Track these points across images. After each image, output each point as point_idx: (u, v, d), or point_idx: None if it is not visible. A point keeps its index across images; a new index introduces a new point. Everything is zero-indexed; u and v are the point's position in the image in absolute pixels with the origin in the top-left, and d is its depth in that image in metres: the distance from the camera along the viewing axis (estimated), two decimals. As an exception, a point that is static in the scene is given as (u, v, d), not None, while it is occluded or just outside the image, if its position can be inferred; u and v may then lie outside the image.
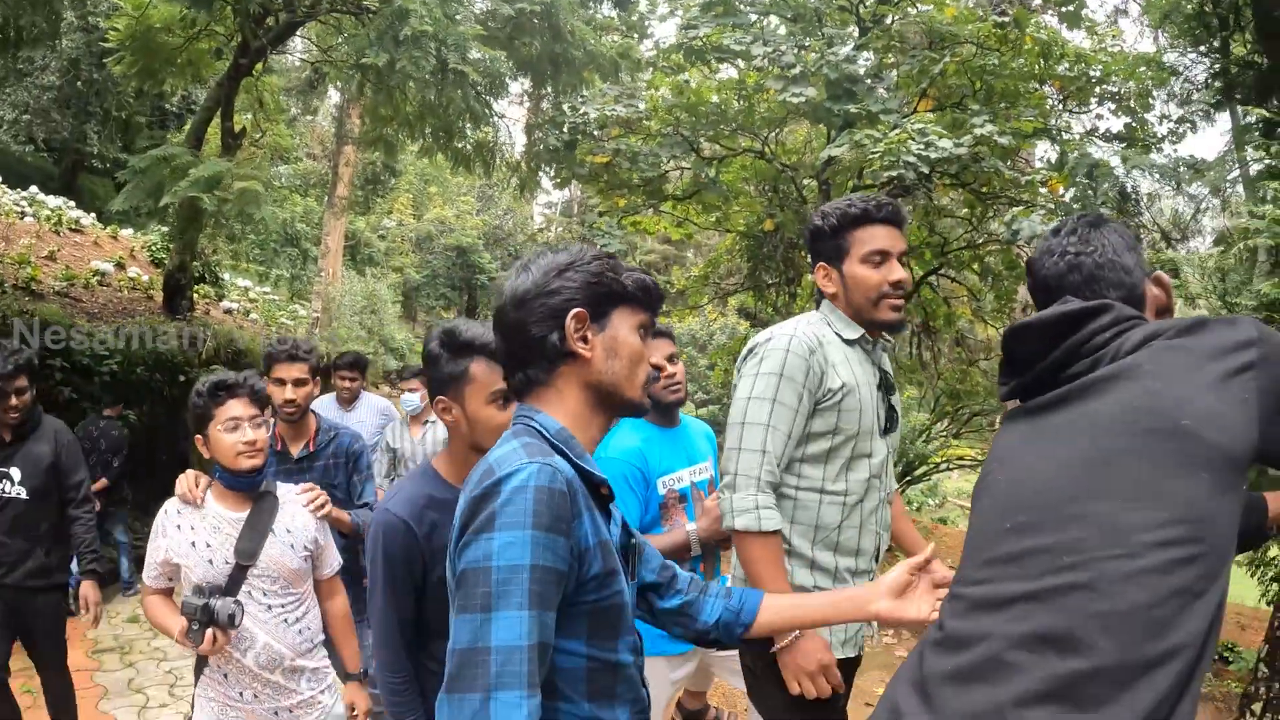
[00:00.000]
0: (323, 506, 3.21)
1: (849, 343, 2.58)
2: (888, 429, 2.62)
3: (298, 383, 3.85)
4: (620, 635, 1.63)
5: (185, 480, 3.02)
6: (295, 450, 3.96)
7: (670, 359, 3.30)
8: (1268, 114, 3.68)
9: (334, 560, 3.25)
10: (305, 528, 3.10)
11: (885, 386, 2.63)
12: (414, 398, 6.36)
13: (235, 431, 2.92)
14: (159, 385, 9.53)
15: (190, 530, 2.95)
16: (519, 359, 1.68)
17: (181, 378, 9.65)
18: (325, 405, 6.44)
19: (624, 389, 1.68)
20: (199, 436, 2.99)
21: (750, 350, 2.56)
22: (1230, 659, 7.67)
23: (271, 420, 3.13)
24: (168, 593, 3.07)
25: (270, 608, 2.98)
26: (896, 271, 2.52)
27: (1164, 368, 1.50)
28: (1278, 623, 3.00)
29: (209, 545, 2.93)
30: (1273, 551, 4.12)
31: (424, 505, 2.23)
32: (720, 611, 1.93)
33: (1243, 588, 9.15)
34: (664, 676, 3.20)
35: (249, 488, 3.01)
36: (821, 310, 2.64)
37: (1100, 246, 1.78)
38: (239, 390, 2.96)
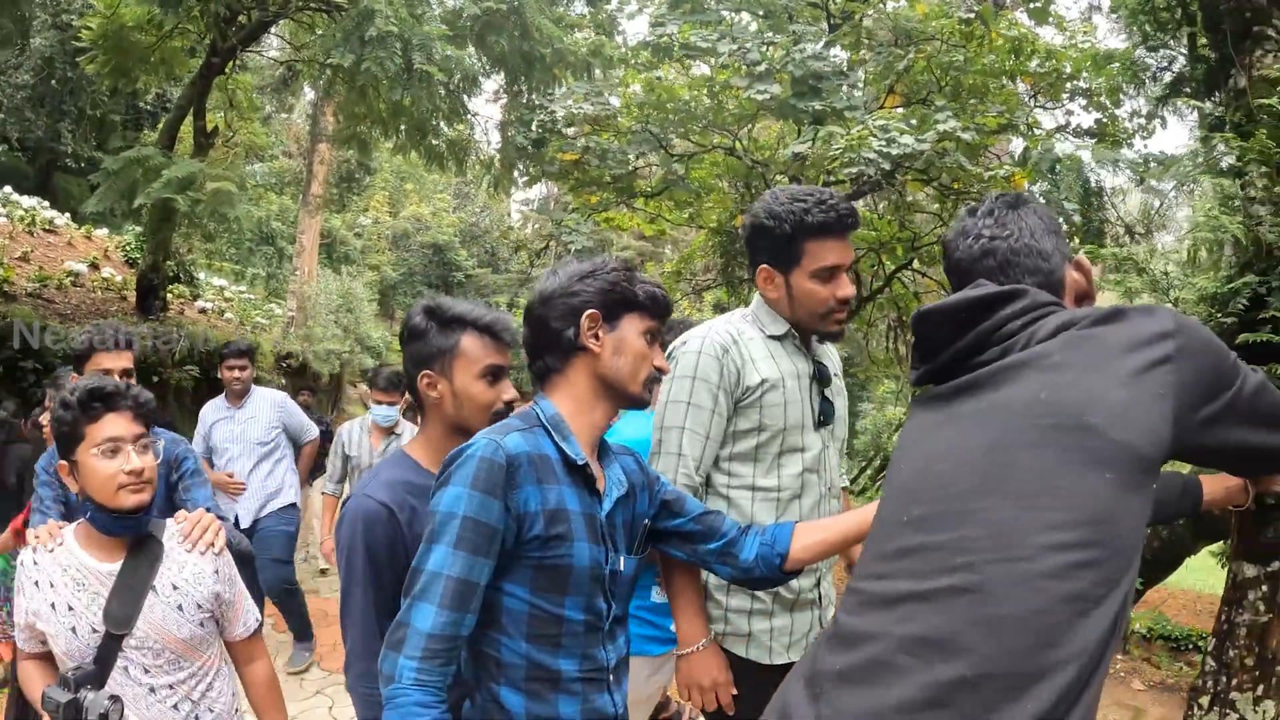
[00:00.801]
0: (214, 543, 2.45)
1: (775, 337, 2.53)
2: (823, 422, 2.56)
3: (125, 374, 3.21)
4: (568, 593, 1.81)
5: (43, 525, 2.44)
6: None
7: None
8: (1212, 106, 3.69)
9: (249, 618, 2.54)
10: (198, 580, 2.37)
11: (820, 379, 2.58)
12: (392, 411, 5.86)
13: (114, 457, 2.25)
14: (131, 387, 9.42)
15: (49, 588, 2.28)
16: (540, 348, 1.94)
17: (155, 378, 9.59)
18: (215, 404, 5.89)
19: (626, 384, 1.91)
20: (63, 463, 2.31)
21: (669, 356, 2.52)
22: (1201, 648, 7.74)
23: (161, 443, 2.48)
24: (45, 659, 2.40)
25: (154, 689, 2.31)
26: (845, 287, 2.43)
27: (1075, 358, 1.42)
28: (1224, 617, 3.02)
29: (71, 608, 2.25)
30: (1237, 542, 4.14)
31: (403, 491, 2.08)
32: (757, 548, 2.10)
33: (1215, 577, 9.23)
34: (641, 677, 3.19)
35: (131, 531, 2.32)
36: (752, 305, 2.60)
37: (1016, 230, 1.69)
38: (119, 402, 2.30)
